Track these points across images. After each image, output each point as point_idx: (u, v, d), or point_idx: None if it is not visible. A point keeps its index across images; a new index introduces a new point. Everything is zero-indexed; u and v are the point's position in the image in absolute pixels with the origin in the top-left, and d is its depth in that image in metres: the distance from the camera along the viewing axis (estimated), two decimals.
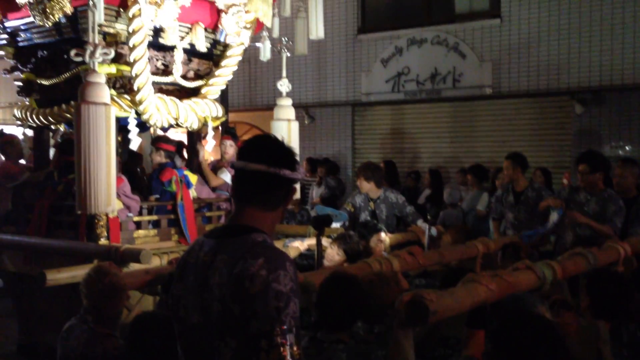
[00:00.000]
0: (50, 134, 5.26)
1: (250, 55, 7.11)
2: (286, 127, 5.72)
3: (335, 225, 5.45)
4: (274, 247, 1.86)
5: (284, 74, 5.88)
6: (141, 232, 4.81)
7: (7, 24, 4.71)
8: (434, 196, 8.64)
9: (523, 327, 2.09)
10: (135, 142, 4.61)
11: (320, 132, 10.54)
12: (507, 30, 8.81)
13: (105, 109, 3.66)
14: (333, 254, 4.30)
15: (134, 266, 3.92)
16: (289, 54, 5.90)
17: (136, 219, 4.82)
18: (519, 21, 8.72)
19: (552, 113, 8.82)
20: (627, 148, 8.21)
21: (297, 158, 1.98)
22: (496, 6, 8.93)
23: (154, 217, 4.94)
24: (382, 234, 4.91)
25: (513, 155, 5.99)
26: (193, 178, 5.30)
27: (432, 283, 3.85)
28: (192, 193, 5.21)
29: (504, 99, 9.05)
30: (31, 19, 4.35)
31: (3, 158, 6.25)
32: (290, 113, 5.84)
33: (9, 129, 8.42)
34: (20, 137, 6.32)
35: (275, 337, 1.70)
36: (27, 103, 4.95)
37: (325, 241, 4.41)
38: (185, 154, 5.73)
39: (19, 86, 4.97)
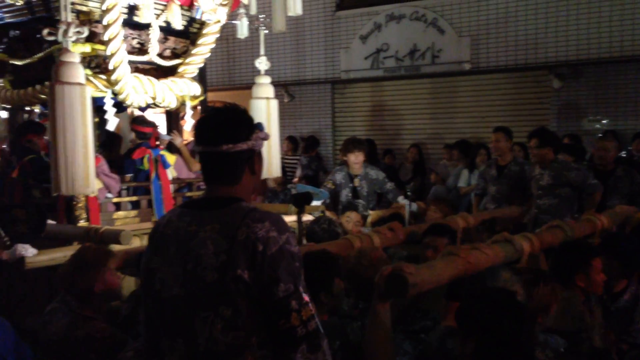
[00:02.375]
0: (25, 115, 5.18)
1: (227, 33, 7.03)
2: (265, 106, 5.66)
3: (316, 203, 5.46)
4: (269, 211, 1.86)
5: (262, 51, 5.81)
6: (121, 213, 4.78)
7: None
8: (416, 172, 8.70)
9: (482, 301, 2.12)
10: (112, 122, 4.55)
11: (300, 110, 10.51)
12: (485, 5, 8.80)
13: (80, 89, 3.60)
14: None
15: (115, 247, 3.90)
16: (267, 31, 5.84)
17: (115, 200, 4.79)
18: None
19: (531, 88, 8.88)
20: (604, 122, 8.30)
21: (252, 123, 1.93)
22: None
23: (134, 198, 4.91)
24: (353, 213, 4.97)
25: (503, 128, 6.04)
26: (171, 158, 5.27)
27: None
28: (172, 173, 5.18)
29: (483, 75, 9.08)
30: None
31: None
32: (269, 91, 5.77)
33: None
34: None
35: (302, 296, 1.74)
36: (1, 84, 4.86)
37: (305, 219, 4.42)
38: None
39: None
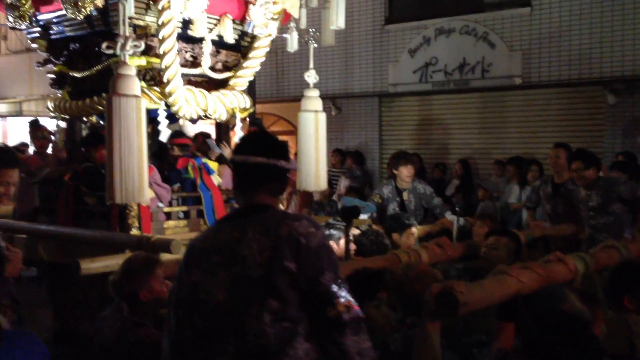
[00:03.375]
0: (82, 125, 5.34)
1: (277, 46, 7.11)
2: (314, 119, 5.68)
3: (363, 216, 5.45)
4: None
5: (312, 65, 5.85)
6: (171, 222, 4.86)
7: (39, 17, 4.78)
8: (464, 187, 8.59)
9: (555, 326, 2.05)
10: (164, 133, 4.66)
11: (347, 123, 10.53)
12: (537, 19, 8.67)
13: (135, 101, 3.68)
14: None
15: (165, 256, 3.97)
16: (316, 45, 5.88)
17: (166, 209, 4.87)
18: (550, 10, 8.57)
19: (584, 103, 8.68)
20: None
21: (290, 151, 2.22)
22: None
23: (184, 208, 4.99)
24: (414, 229, 4.92)
25: (564, 145, 5.89)
26: (213, 165, 5.34)
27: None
28: (216, 179, 5.25)
29: (534, 89, 8.93)
30: (63, 12, 4.40)
31: (34, 147, 6.39)
32: (318, 104, 5.79)
33: (42, 121, 8.60)
34: (54, 129, 6.44)
35: (344, 284, 1.91)
36: (60, 95, 5.03)
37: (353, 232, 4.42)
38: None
39: (51, 79, 5.04)
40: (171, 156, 5.18)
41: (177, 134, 5.46)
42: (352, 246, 4.29)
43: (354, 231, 4.52)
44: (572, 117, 8.73)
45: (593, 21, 8.29)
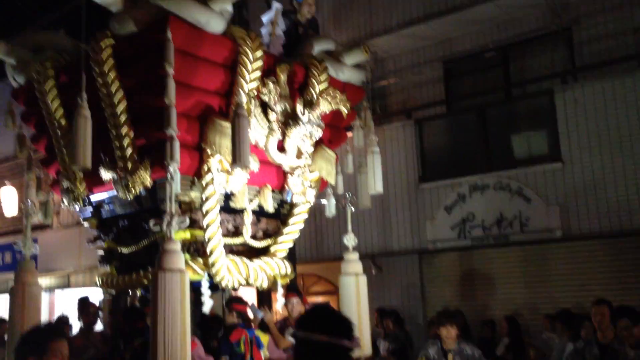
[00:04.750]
0: (127, 298, 5.43)
1: (315, 208, 7.31)
2: (354, 282, 5.70)
3: None
4: None
5: (349, 228, 5.97)
6: None
7: (92, 198, 5.08)
8: (514, 346, 8.22)
9: None
10: (208, 304, 4.70)
11: (388, 282, 10.43)
12: (570, 173, 8.79)
13: (180, 275, 3.77)
14: None
15: None
16: (353, 209, 6.04)
17: None
18: (582, 164, 8.70)
19: (631, 254, 8.47)
20: None
21: (354, 327, 2.16)
22: (556, 150, 9.00)
23: None
24: None
25: (605, 301, 5.63)
26: (264, 338, 5.30)
27: None
28: (264, 353, 5.18)
29: (576, 242, 8.80)
30: (114, 192, 4.68)
31: (81, 324, 6.45)
32: (358, 267, 5.84)
33: (88, 291, 8.78)
34: (98, 303, 6.55)
35: None
36: (108, 270, 5.18)
37: None
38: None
39: (100, 255, 5.23)
40: (226, 321, 5.17)
41: (237, 299, 5.49)
42: None
43: None
44: (619, 269, 8.49)
45: (627, 174, 8.34)
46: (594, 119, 8.70)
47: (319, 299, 11.24)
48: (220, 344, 5.12)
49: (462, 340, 5.98)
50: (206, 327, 5.29)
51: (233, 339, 5.00)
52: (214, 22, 4.57)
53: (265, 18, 5.73)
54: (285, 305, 6.04)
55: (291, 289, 6.25)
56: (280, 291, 5.38)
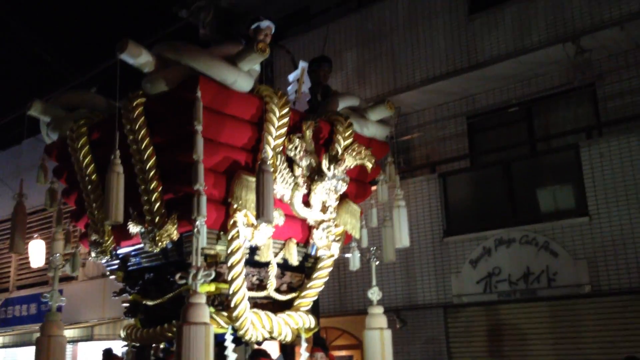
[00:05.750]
0: (151, 352, 5.44)
1: (340, 261, 7.31)
2: (379, 337, 5.64)
3: None
4: None
5: (374, 282, 5.95)
6: None
7: (119, 251, 5.16)
8: None
9: None
10: (231, 358, 4.68)
11: (413, 336, 10.28)
12: (597, 227, 8.69)
13: (205, 329, 3.79)
14: None
15: None
16: (377, 263, 6.03)
17: None
18: (609, 218, 8.61)
19: None
20: None
21: None
22: (582, 204, 8.93)
23: None
24: None
25: (636, 358, 5.54)
26: None
27: None
28: None
29: (607, 297, 8.64)
30: (141, 245, 4.76)
31: None
32: (383, 322, 5.77)
33: (111, 344, 8.79)
34: (121, 354, 6.56)
35: None
36: (132, 322, 5.21)
37: None
38: None
39: (126, 307, 5.28)
40: None
41: (262, 352, 5.46)
42: None
43: None
44: None
45: None
46: (620, 173, 8.65)
47: (343, 353, 11.09)
48: None
49: None
50: None
51: None
52: (242, 81, 4.71)
53: (291, 76, 5.89)
54: (310, 358, 5.99)
55: (317, 343, 6.20)
56: (304, 345, 5.35)
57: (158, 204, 4.57)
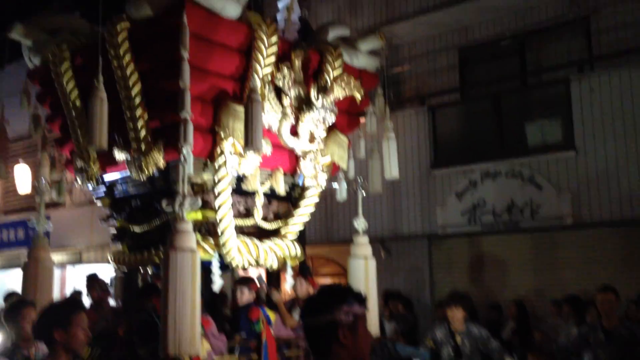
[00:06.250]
0: (139, 276, 5.53)
1: (326, 191, 7.36)
2: (363, 265, 5.77)
3: None
4: None
5: (360, 212, 6.02)
6: None
7: (105, 178, 5.16)
8: (520, 330, 8.29)
9: None
10: (218, 283, 4.78)
11: (397, 266, 10.49)
12: (583, 161, 8.77)
13: (191, 255, 3.86)
14: None
15: None
16: (364, 194, 6.08)
17: (217, 358, 4.87)
18: (595, 153, 8.68)
19: None
20: None
21: (339, 297, 1.98)
22: (570, 139, 8.97)
23: (235, 358, 4.99)
24: None
25: (613, 288, 5.71)
26: (272, 316, 5.39)
27: None
28: (272, 330, 5.27)
29: (587, 229, 8.83)
30: (127, 173, 4.76)
31: (90, 300, 6.59)
32: (367, 250, 5.90)
33: (100, 268, 8.92)
34: (110, 279, 6.69)
35: None
36: (120, 248, 5.28)
37: None
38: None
39: (113, 233, 5.33)
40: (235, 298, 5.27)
41: (249, 278, 5.58)
42: None
43: None
44: (629, 257, 8.52)
45: None
46: (609, 108, 8.66)
47: (328, 281, 11.35)
48: (238, 322, 5.22)
49: (469, 321, 6.04)
50: (215, 306, 5.39)
51: (254, 318, 5.10)
52: (230, 8, 4.60)
53: (280, 4, 5.75)
54: (294, 286, 6.14)
55: (302, 271, 6.33)
56: (290, 272, 5.46)
57: (144, 132, 4.54)
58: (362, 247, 5.88)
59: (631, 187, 8.35)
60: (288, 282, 5.60)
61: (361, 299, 1.99)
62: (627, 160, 8.44)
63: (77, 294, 8.14)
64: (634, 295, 7.68)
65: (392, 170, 5.76)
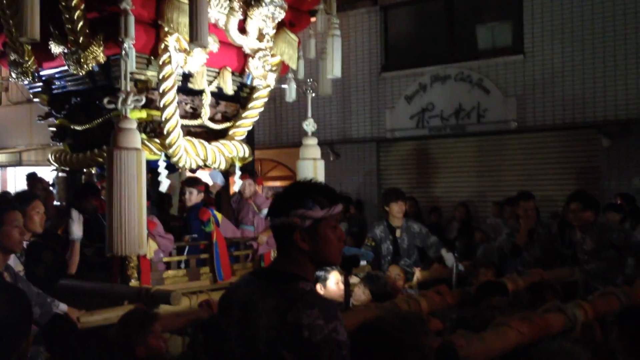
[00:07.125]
0: (82, 177, 5.39)
1: (275, 94, 7.23)
2: (312, 166, 5.76)
3: (363, 263, 5.45)
4: (324, 297, 1.92)
5: (309, 114, 5.94)
6: (170, 272, 4.86)
7: (42, 73, 4.88)
8: (464, 230, 8.60)
9: None
10: (164, 184, 4.69)
11: (345, 169, 10.60)
12: (530, 65, 8.85)
13: (136, 154, 3.74)
14: (359, 293, 4.33)
15: (164, 307, 3.97)
16: (314, 95, 5.98)
17: (166, 259, 4.88)
18: (543, 56, 8.75)
19: (579, 146, 8.78)
20: None
21: (297, 199, 1.93)
22: (519, 42, 8.99)
23: (184, 257, 5.00)
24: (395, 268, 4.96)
25: (530, 195, 5.93)
26: (219, 216, 5.38)
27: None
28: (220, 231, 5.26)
29: (530, 133, 9.04)
30: (65, 67, 4.50)
31: None
32: (316, 152, 5.87)
33: (41, 170, 8.66)
34: (53, 180, 6.50)
35: None
36: (61, 147, 5.09)
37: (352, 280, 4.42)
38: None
39: (52, 132, 5.12)
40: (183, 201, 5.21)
41: (197, 180, 5.50)
42: (363, 296, 4.30)
43: (353, 279, 4.52)
44: (568, 160, 8.82)
45: (585, 66, 8.45)
46: (559, 13, 8.65)
47: (277, 184, 11.40)
48: (189, 223, 5.17)
49: (410, 219, 6.18)
50: (163, 207, 5.32)
51: (205, 218, 5.05)
52: None
53: None
54: (242, 186, 6.09)
55: (246, 172, 6.27)
56: (238, 173, 5.41)
57: (81, 23, 4.26)
58: (311, 149, 5.85)
59: (575, 93, 8.52)
60: (236, 184, 5.56)
61: (331, 200, 1.91)
62: (572, 66, 8.55)
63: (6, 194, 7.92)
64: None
65: (335, 69, 5.63)
